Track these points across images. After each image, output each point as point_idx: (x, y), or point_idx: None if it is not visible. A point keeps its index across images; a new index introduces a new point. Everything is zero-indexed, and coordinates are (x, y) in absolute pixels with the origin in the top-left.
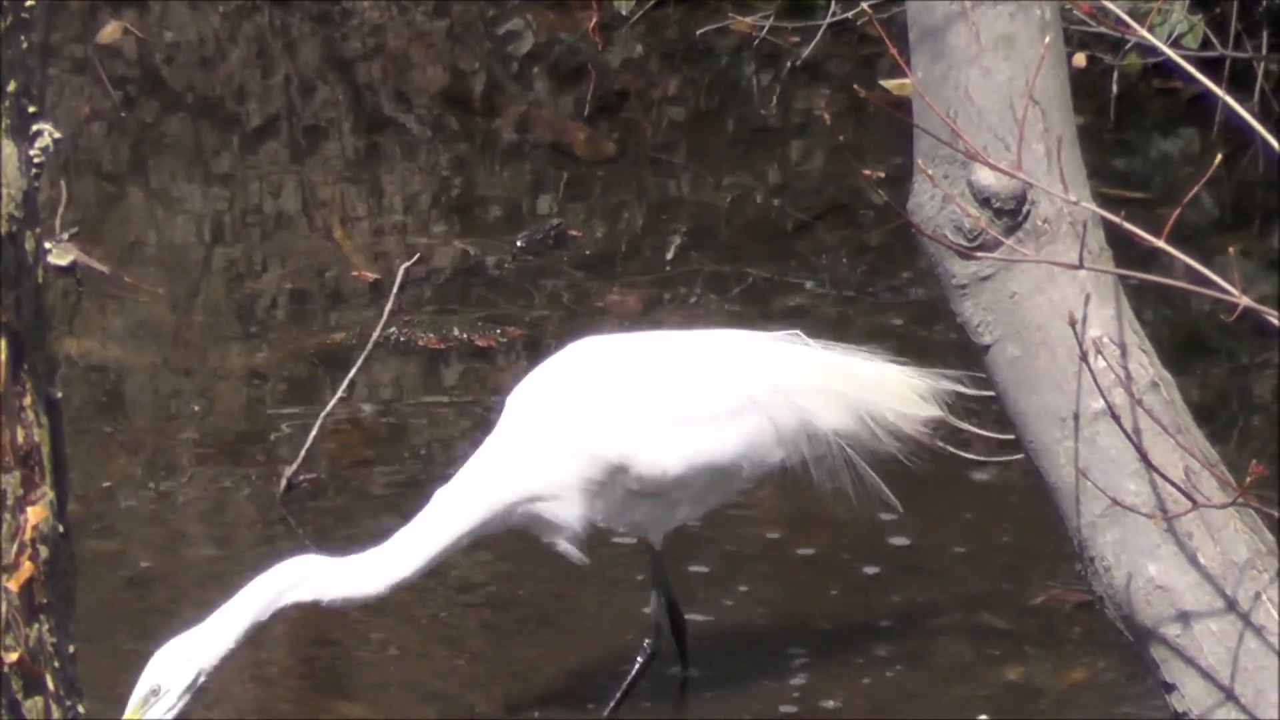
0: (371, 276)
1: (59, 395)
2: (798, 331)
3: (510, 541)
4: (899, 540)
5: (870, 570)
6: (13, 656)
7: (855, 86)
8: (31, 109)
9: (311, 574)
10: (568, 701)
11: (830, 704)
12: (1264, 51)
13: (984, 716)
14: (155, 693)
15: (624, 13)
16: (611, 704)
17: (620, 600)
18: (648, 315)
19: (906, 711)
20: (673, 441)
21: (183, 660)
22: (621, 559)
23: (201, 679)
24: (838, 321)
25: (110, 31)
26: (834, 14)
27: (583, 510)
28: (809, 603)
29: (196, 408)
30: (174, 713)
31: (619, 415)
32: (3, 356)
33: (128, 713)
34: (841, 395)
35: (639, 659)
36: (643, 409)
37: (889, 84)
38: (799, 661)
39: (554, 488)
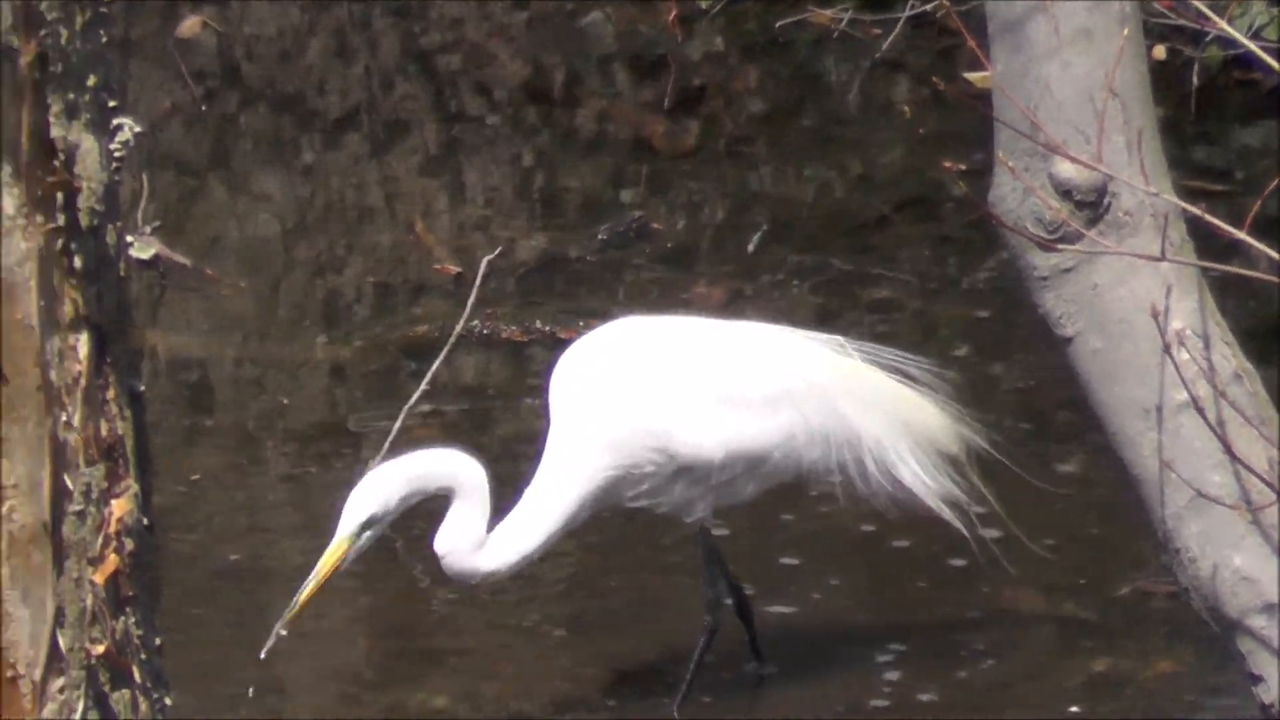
0: (454, 269)
1: (142, 388)
2: (840, 339)
3: (593, 533)
4: (988, 533)
5: (958, 563)
6: (99, 649)
7: (935, 79)
8: (111, 103)
9: (469, 483)
10: (647, 691)
11: (924, 697)
12: None
13: (1075, 708)
14: (370, 523)
15: (703, 6)
16: (683, 687)
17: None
18: (731, 307)
19: (998, 703)
20: (711, 422)
21: (396, 486)
22: None
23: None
24: (920, 313)
25: (190, 26)
26: (913, 6)
27: (659, 488)
28: (898, 596)
29: (285, 400)
30: (373, 540)
31: (660, 392)
32: (86, 350)
33: (335, 544)
34: (877, 406)
35: (701, 638)
36: (682, 387)
37: (972, 76)
38: (890, 655)
39: (618, 472)
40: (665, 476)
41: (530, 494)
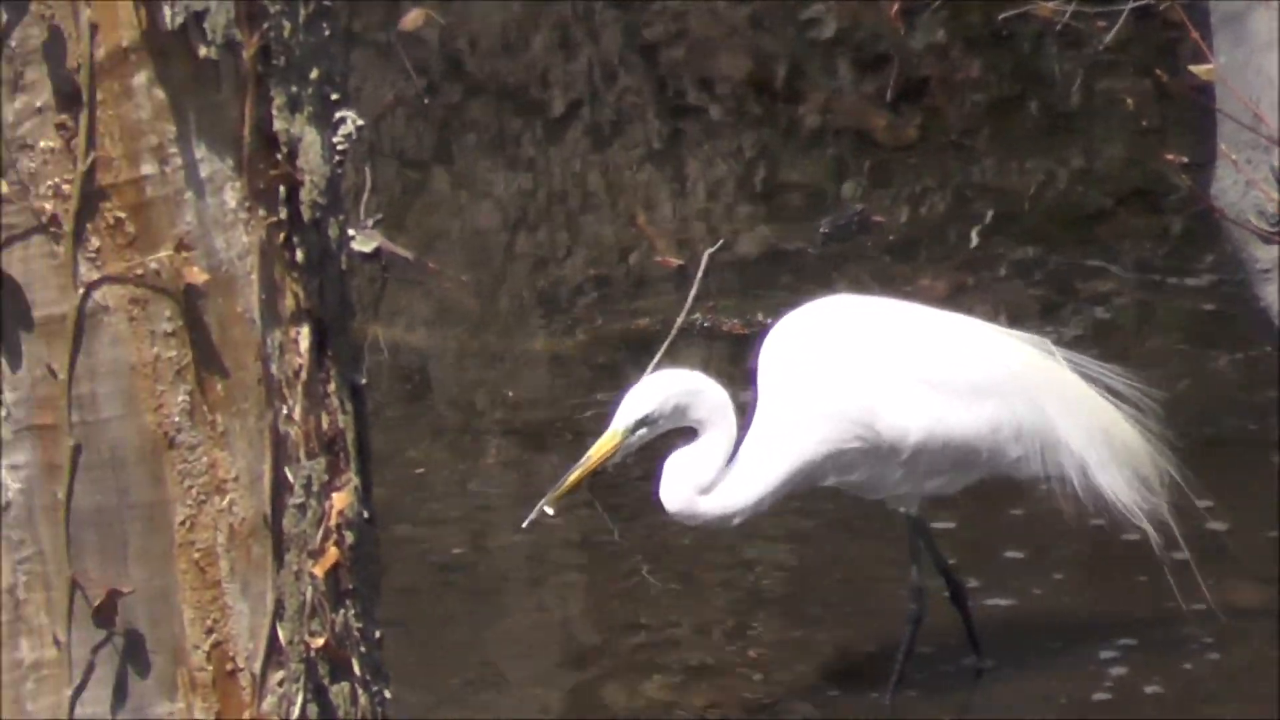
0: (675, 262)
1: (363, 381)
2: (1048, 342)
3: (808, 521)
4: (1214, 525)
5: (1179, 556)
6: (319, 642)
7: (1158, 72)
8: (334, 96)
9: (725, 423)
10: (862, 683)
11: (1149, 689)
12: None
13: None
14: (645, 421)
15: None
16: (893, 678)
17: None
18: (954, 299)
19: (1222, 696)
20: (918, 403)
21: (674, 392)
22: None
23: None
24: (1140, 306)
25: (413, 18)
26: None
27: (862, 472)
28: (1122, 590)
29: (507, 393)
30: (644, 441)
31: (870, 370)
32: (307, 343)
33: (609, 435)
34: (1079, 410)
35: (907, 627)
36: (893, 366)
37: (1195, 69)
38: (1114, 650)
39: (826, 448)
40: (869, 456)
41: (741, 459)
